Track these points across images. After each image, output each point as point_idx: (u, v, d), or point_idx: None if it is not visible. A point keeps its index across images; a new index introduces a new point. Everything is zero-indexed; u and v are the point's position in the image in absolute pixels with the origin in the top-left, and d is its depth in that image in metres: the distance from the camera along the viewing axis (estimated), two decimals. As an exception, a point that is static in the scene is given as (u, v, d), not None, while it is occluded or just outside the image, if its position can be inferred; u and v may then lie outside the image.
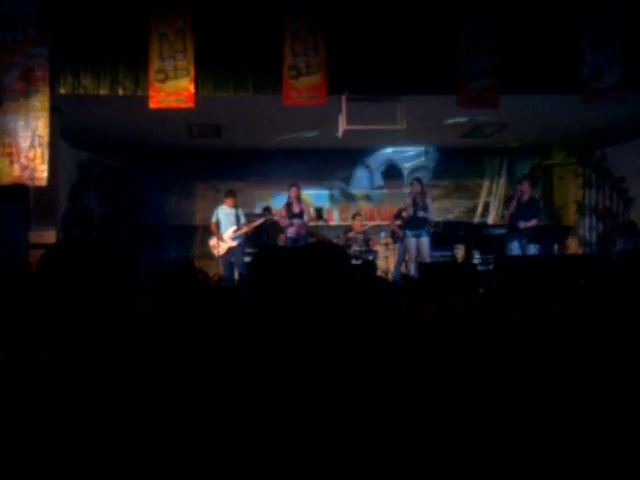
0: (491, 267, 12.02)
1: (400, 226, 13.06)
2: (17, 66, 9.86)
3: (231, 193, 13.31)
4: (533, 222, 12.40)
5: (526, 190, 12.66)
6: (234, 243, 12.89)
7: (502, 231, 13.51)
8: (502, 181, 16.33)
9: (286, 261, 2.58)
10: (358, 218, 14.21)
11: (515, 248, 12.46)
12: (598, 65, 10.36)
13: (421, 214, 12.39)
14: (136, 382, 1.91)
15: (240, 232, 12.98)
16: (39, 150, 9.93)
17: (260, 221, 13.38)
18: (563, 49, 10.34)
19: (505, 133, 14.14)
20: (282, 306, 2.53)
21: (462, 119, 12.72)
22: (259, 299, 2.75)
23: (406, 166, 16.34)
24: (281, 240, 13.44)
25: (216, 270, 12.11)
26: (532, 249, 12.48)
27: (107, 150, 14.48)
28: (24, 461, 1.78)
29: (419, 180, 12.86)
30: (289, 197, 13.38)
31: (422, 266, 11.75)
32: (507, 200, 13.34)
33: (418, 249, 12.46)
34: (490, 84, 10.25)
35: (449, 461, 2.16)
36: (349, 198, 16.51)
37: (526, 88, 10.46)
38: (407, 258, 12.75)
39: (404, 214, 12.72)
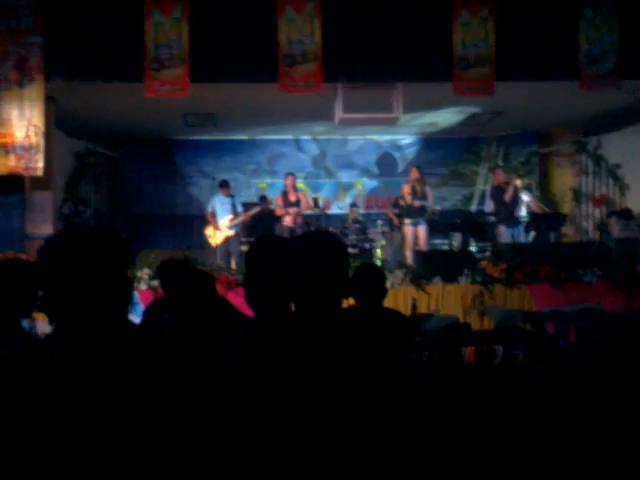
0: (487, 255, 12.02)
1: (397, 214, 13.03)
2: (11, 55, 9.83)
3: (224, 183, 13.30)
4: (524, 203, 12.55)
5: (501, 180, 12.78)
6: (231, 232, 12.87)
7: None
8: (498, 169, 16.33)
9: (283, 250, 2.57)
10: (354, 208, 14.22)
11: (508, 236, 12.46)
12: (594, 52, 10.38)
13: (417, 203, 12.35)
14: (136, 372, 1.91)
15: (237, 221, 12.96)
16: (34, 140, 9.90)
17: (256, 210, 13.36)
18: (559, 36, 10.35)
19: (501, 121, 14.14)
20: (278, 295, 2.52)
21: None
22: (255, 289, 2.75)
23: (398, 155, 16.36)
24: (278, 229, 13.43)
25: (213, 259, 12.09)
26: (524, 237, 12.53)
27: (103, 139, 14.45)
28: (26, 455, 1.78)
29: (418, 168, 12.80)
30: (285, 186, 13.37)
31: (419, 254, 11.76)
32: (493, 191, 13.22)
33: (415, 237, 12.44)
34: (486, 71, 10.25)
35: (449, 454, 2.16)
36: (346, 187, 16.48)
37: (522, 75, 10.47)
38: (404, 246, 12.72)
39: (401, 202, 12.68)
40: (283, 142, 16.03)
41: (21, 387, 1.85)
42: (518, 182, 13.06)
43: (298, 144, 16.11)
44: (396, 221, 13.27)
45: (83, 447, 1.78)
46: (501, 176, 12.91)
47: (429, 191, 12.66)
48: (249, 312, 2.92)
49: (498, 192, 12.82)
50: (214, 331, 3.59)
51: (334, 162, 16.38)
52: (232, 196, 13.19)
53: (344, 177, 16.46)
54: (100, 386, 1.83)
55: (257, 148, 15.99)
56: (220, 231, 12.81)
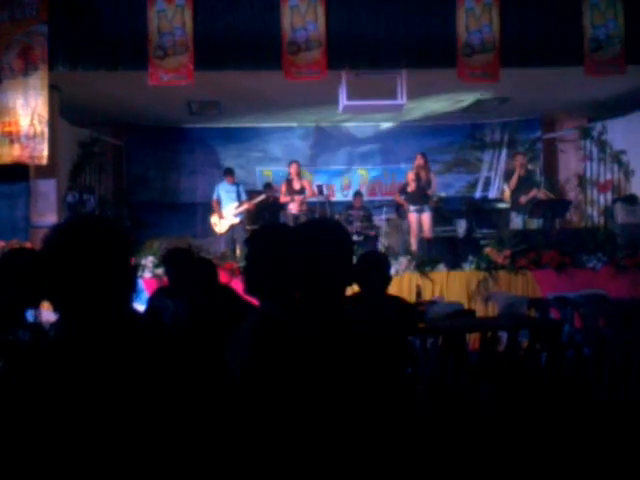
0: (492, 242, 12.03)
1: (406, 200, 13.02)
2: (15, 44, 9.83)
3: (229, 171, 13.26)
4: (533, 192, 12.47)
5: (521, 164, 12.72)
6: (236, 220, 12.86)
7: (503, 205, 13.52)
8: (503, 155, 16.27)
9: (283, 238, 2.58)
10: (359, 196, 14.19)
11: (518, 223, 12.47)
12: (599, 37, 10.33)
13: (430, 191, 12.39)
14: (142, 360, 1.92)
15: (241, 209, 12.94)
16: (39, 129, 9.91)
17: (261, 197, 13.34)
18: (564, 21, 10.31)
19: (506, 107, 14.11)
20: (281, 284, 2.52)
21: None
22: (258, 278, 2.75)
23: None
24: (283, 217, 13.45)
25: (218, 247, 12.10)
26: (534, 223, 12.50)
27: (107, 128, 14.48)
28: (30, 444, 1.79)
29: (423, 155, 12.78)
30: (289, 174, 13.37)
31: (424, 241, 11.76)
32: (507, 175, 13.31)
33: (420, 224, 12.44)
34: (491, 58, 10.22)
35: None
36: (350, 174, 16.45)
37: (527, 61, 10.44)
38: (409, 233, 12.73)
39: (408, 189, 12.67)
40: (287, 129, 15.99)
41: (26, 376, 1.86)
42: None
43: (302, 131, 16.07)
44: (405, 206, 13.17)
45: (88, 436, 1.79)
46: (517, 161, 12.89)
47: (433, 178, 12.67)
48: (254, 300, 2.93)
49: (509, 178, 12.88)
50: (219, 318, 3.60)
51: (338, 149, 16.34)
52: (237, 184, 13.17)
53: (348, 164, 16.43)
54: (105, 375, 1.84)
55: (261, 135, 15.94)
56: (225, 219, 12.80)
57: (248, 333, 2.37)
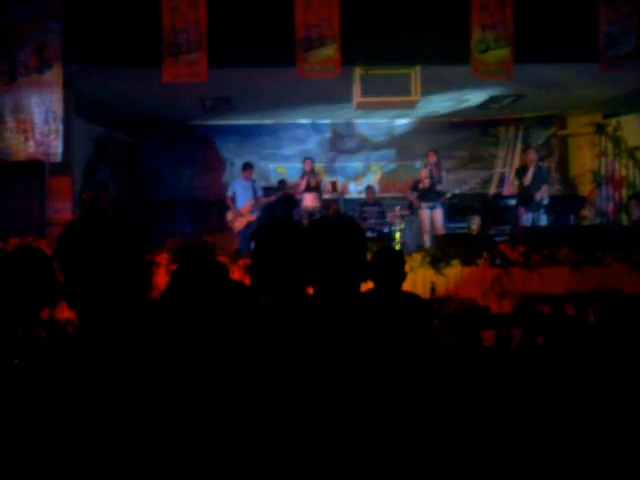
0: (506, 238, 11.98)
1: (418, 197, 13.01)
2: (30, 42, 9.86)
3: (248, 165, 13.20)
4: (545, 189, 12.41)
5: (532, 160, 12.66)
6: (252, 217, 12.83)
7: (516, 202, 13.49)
8: (517, 152, 16.22)
9: (293, 234, 2.57)
10: (371, 191, 14.19)
11: (528, 219, 12.42)
12: (614, 33, 10.29)
13: (439, 187, 12.40)
14: (159, 357, 1.92)
15: (257, 207, 12.90)
16: (53, 126, 9.95)
17: (276, 195, 13.33)
18: (578, 17, 10.27)
19: (521, 103, 14.06)
20: (292, 280, 2.52)
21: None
22: (268, 274, 2.73)
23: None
24: (298, 213, 13.44)
25: (233, 244, 12.11)
26: (544, 220, 12.46)
27: (122, 125, 14.51)
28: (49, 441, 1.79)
29: (436, 152, 12.78)
30: (304, 170, 13.35)
31: (438, 238, 11.74)
32: (519, 171, 13.22)
33: (432, 221, 12.45)
34: (505, 54, 10.19)
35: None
36: (364, 170, 16.44)
37: (542, 57, 10.40)
38: (422, 230, 12.73)
39: (420, 185, 12.66)
40: (301, 126, 16.01)
41: (41, 373, 1.87)
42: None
43: (316, 128, 16.07)
44: (417, 203, 13.15)
45: (103, 434, 1.79)
46: (529, 156, 12.85)
47: (444, 175, 12.69)
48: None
49: (522, 172, 12.81)
50: (230, 315, 3.60)
51: (351, 145, 16.35)
52: (253, 180, 13.15)
53: (361, 160, 16.43)
54: (121, 372, 1.84)
55: (275, 132, 15.98)
56: (242, 216, 12.78)
57: (256, 330, 2.37)
